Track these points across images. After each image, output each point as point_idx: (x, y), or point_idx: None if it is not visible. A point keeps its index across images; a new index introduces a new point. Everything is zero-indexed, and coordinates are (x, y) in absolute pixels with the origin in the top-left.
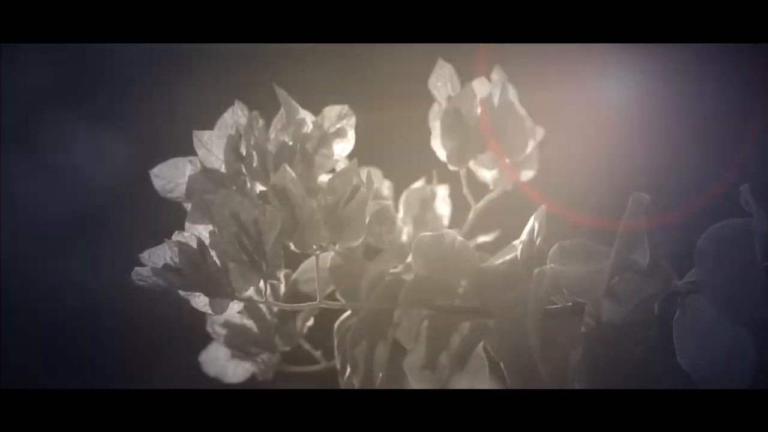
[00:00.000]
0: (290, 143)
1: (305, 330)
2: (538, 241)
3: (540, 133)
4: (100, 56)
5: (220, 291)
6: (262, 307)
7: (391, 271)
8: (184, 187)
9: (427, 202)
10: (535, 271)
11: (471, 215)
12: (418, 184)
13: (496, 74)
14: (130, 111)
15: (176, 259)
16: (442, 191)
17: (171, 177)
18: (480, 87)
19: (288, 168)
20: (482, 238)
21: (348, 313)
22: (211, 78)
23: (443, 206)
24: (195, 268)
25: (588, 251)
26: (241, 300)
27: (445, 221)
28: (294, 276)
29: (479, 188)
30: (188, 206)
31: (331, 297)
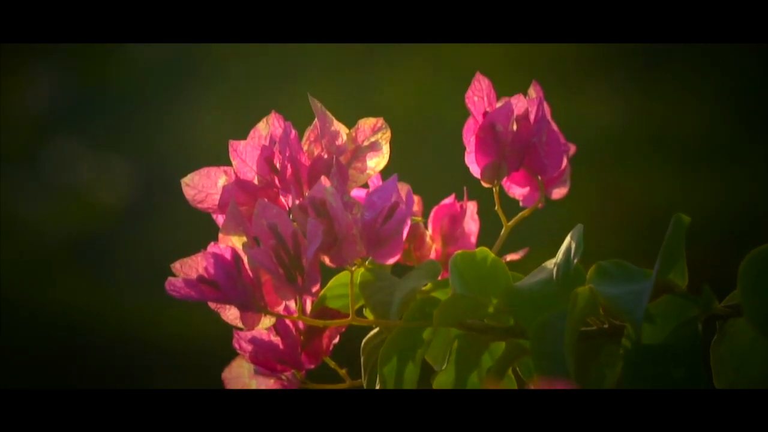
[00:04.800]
0: (325, 156)
1: (332, 347)
2: (575, 261)
3: (572, 149)
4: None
5: (253, 305)
6: (289, 323)
7: (422, 289)
8: (215, 197)
9: (456, 218)
10: (574, 290)
11: (503, 233)
12: (448, 199)
13: (534, 90)
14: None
15: (211, 271)
16: (471, 207)
17: (202, 187)
18: (517, 103)
19: (327, 180)
20: (511, 257)
21: (375, 330)
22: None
23: (471, 223)
24: (230, 280)
25: (626, 272)
26: (273, 315)
27: (473, 238)
28: (322, 292)
29: (506, 204)
30: (218, 218)
31: (356, 314)
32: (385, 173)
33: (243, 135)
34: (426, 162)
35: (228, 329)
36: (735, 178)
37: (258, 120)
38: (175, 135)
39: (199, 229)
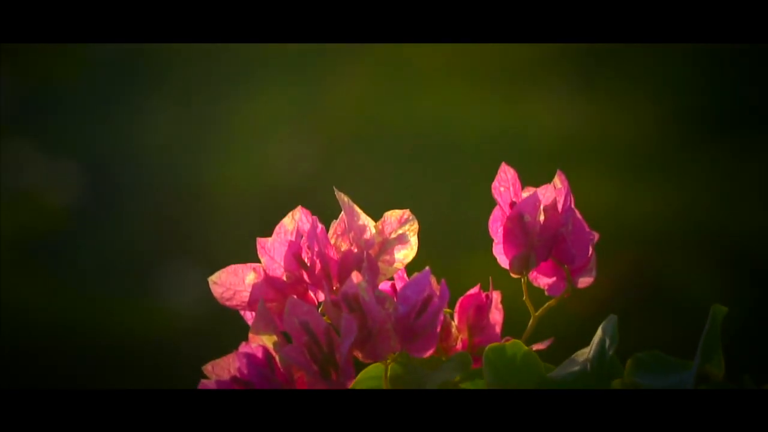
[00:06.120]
0: (355, 250)
1: None
2: (610, 353)
3: (596, 237)
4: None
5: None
6: None
7: (453, 380)
8: (243, 294)
9: (482, 309)
10: (613, 383)
11: (531, 323)
12: (473, 290)
13: (559, 180)
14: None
15: (244, 371)
16: (495, 297)
17: (230, 284)
18: (544, 193)
19: (359, 275)
20: (537, 346)
21: None
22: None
23: (496, 312)
24: (264, 379)
25: (663, 363)
26: None
27: (498, 328)
28: (351, 385)
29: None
30: (246, 314)
31: None
32: (366, 180)
33: (192, 136)
34: (376, 165)
35: (187, 329)
36: (679, 183)
37: (210, 120)
38: (124, 135)
39: (151, 228)
